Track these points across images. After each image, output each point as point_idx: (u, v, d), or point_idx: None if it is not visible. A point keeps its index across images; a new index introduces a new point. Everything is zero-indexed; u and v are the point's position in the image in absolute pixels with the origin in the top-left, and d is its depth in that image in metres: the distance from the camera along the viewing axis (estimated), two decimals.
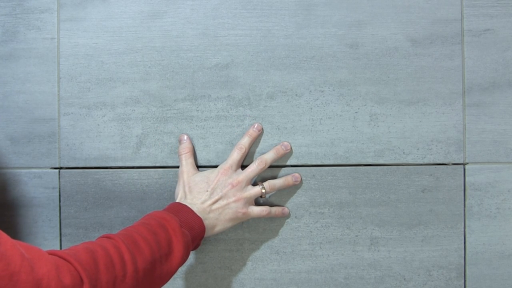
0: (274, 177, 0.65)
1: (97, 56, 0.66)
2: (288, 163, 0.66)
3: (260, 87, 0.66)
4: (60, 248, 0.66)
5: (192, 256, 0.67)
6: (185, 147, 0.64)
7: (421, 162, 0.66)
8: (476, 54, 0.66)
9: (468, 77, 0.66)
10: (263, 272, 0.66)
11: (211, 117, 0.66)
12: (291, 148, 0.65)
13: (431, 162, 0.66)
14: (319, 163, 0.66)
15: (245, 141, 0.64)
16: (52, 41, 0.66)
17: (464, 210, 0.66)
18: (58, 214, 0.66)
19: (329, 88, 0.66)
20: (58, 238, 0.66)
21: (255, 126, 0.65)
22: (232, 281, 0.66)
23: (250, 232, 0.66)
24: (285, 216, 0.66)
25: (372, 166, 0.66)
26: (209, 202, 0.59)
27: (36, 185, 0.66)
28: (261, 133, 0.65)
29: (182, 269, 0.67)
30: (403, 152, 0.66)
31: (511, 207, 0.66)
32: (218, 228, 0.60)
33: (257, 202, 0.65)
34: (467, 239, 0.66)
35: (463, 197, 0.66)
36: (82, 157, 0.66)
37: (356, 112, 0.66)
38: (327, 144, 0.66)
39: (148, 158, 0.66)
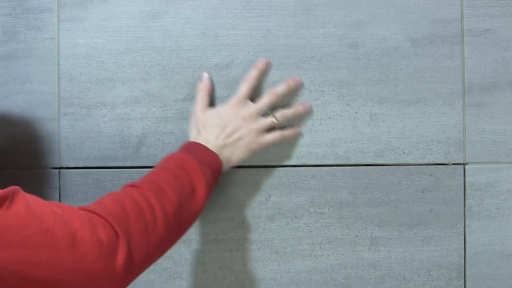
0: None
1: (97, 56, 0.66)
2: (288, 163, 0.66)
3: (260, 87, 0.66)
4: None
5: (192, 256, 0.67)
6: (203, 85, 0.64)
7: (421, 162, 0.66)
8: (476, 54, 0.66)
9: (468, 77, 0.66)
10: (263, 272, 0.66)
11: None
12: (300, 81, 0.65)
13: (431, 162, 0.66)
14: (319, 163, 0.66)
15: (252, 74, 0.64)
16: (52, 41, 0.66)
17: (464, 210, 0.66)
18: None
19: (329, 88, 0.66)
20: None
21: (262, 59, 0.65)
22: (232, 281, 0.66)
23: (250, 232, 0.66)
24: (298, 135, 0.65)
25: (372, 166, 0.66)
26: (222, 136, 0.60)
27: (36, 185, 0.66)
28: (268, 66, 0.65)
29: (182, 269, 0.66)
30: (403, 152, 0.66)
31: (511, 207, 0.66)
32: (234, 161, 0.61)
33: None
34: (467, 239, 0.66)
35: (463, 197, 0.66)
36: (82, 157, 0.66)
37: (356, 112, 0.66)
38: (327, 144, 0.66)
39: (148, 158, 0.66)
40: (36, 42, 0.66)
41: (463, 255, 0.66)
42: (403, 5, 0.66)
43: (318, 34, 0.66)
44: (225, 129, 0.60)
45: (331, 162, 0.66)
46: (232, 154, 0.60)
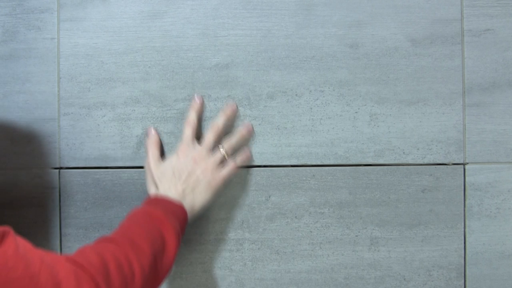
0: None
1: (97, 56, 0.66)
2: (288, 163, 0.66)
3: (260, 87, 0.66)
4: (60, 248, 0.66)
5: (192, 256, 0.67)
6: (152, 140, 0.65)
7: (421, 162, 0.66)
8: (476, 54, 0.66)
9: (468, 77, 0.66)
10: (263, 272, 0.66)
11: (211, 117, 0.66)
12: (236, 107, 0.65)
13: (431, 162, 0.66)
14: (319, 163, 0.66)
15: (192, 116, 0.64)
16: (52, 41, 0.66)
17: (464, 210, 0.66)
18: (58, 214, 0.66)
19: (329, 88, 0.66)
20: (58, 238, 0.66)
21: (195, 97, 0.65)
22: (232, 281, 0.66)
23: (250, 232, 0.66)
24: (249, 158, 0.66)
25: (372, 166, 0.66)
26: (179, 184, 0.60)
27: (36, 185, 0.66)
28: (202, 103, 0.66)
29: (182, 269, 0.67)
30: (403, 152, 0.66)
31: (511, 207, 0.66)
32: (198, 205, 0.60)
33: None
34: (467, 239, 0.66)
35: (463, 197, 0.66)
36: (82, 157, 0.66)
37: (356, 112, 0.66)
38: (327, 144, 0.66)
39: None
40: (36, 42, 0.66)
41: (463, 255, 0.66)
42: (403, 5, 0.66)
43: (318, 34, 0.66)
44: (181, 176, 0.60)
45: (331, 162, 0.66)
46: (195, 199, 0.60)
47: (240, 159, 0.64)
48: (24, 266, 0.41)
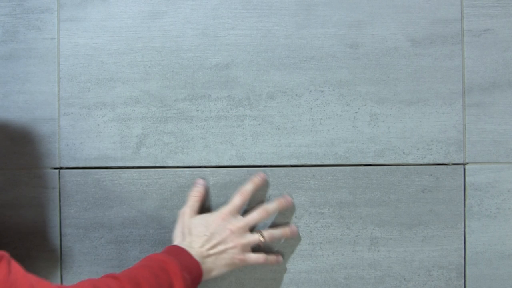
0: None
1: (97, 56, 0.66)
2: (288, 163, 0.66)
3: (260, 87, 0.66)
4: (60, 248, 0.66)
5: None
6: (197, 190, 0.64)
7: (421, 162, 0.66)
8: (476, 54, 0.66)
9: (468, 77, 0.66)
10: (263, 272, 0.66)
11: (211, 117, 0.66)
12: (292, 202, 0.65)
13: (431, 162, 0.66)
14: (319, 163, 0.66)
15: (247, 188, 0.64)
16: (52, 41, 0.66)
17: (464, 210, 0.66)
18: (58, 214, 0.66)
19: (329, 88, 0.66)
20: (58, 238, 0.66)
21: (259, 174, 0.65)
22: (232, 281, 0.66)
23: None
24: (279, 264, 0.65)
25: (372, 166, 0.66)
26: (207, 246, 0.59)
27: (36, 185, 0.66)
28: (265, 182, 0.65)
29: None
30: (403, 152, 0.66)
31: (511, 207, 0.66)
32: (214, 273, 0.60)
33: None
34: (467, 239, 0.66)
35: (463, 197, 0.66)
36: (82, 157, 0.66)
37: (356, 112, 0.66)
38: (327, 144, 0.66)
39: (148, 158, 0.66)
40: (36, 42, 0.66)
41: (463, 255, 0.66)
42: (403, 5, 0.66)
43: (318, 34, 0.66)
44: (211, 239, 0.59)
45: (331, 162, 0.66)
46: (214, 266, 0.59)
47: (272, 258, 0.64)
48: None
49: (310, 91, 0.66)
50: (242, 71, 0.66)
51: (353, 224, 0.66)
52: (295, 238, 0.66)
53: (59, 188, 0.66)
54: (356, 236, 0.66)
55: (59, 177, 0.66)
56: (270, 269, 0.66)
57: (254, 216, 0.62)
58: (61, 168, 0.66)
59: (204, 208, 0.66)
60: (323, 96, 0.66)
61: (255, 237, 0.62)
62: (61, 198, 0.66)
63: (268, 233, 0.63)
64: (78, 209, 0.66)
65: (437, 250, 0.66)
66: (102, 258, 0.66)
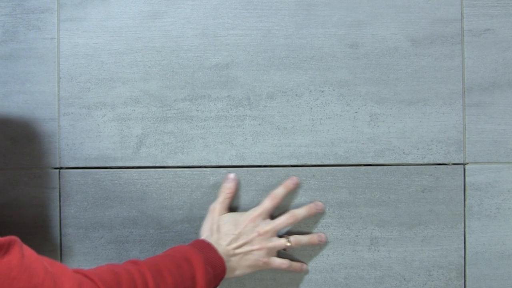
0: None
1: (97, 56, 0.66)
2: (288, 163, 0.66)
3: (260, 87, 0.66)
4: (60, 248, 0.66)
5: None
6: (229, 187, 0.64)
7: (421, 162, 0.66)
8: (476, 54, 0.66)
9: (468, 77, 0.66)
10: (263, 272, 0.66)
11: (211, 117, 0.66)
12: (323, 208, 0.65)
13: (431, 162, 0.66)
14: (319, 163, 0.66)
15: (279, 191, 0.64)
16: (52, 41, 0.66)
17: (464, 210, 0.66)
18: (58, 214, 0.66)
19: (329, 88, 0.66)
20: (58, 238, 0.66)
21: (292, 179, 0.65)
22: (232, 281, 0.66)
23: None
24: (303, 272, 0.66)
25: (372, 166, 0.66)
26: (234, 245, 0.60)
27: (36, 185, 0.66)
28: (297, 186, 0.65)
29: None
30: (403, 152, 0.66)
31: (511, 207, 0.66)
32: (238, 272, 0.60)
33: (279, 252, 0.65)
34: (467, 239, 0.66)
35: (463, 197, 0.66)
36: (82, 157, 0.66)
37: (356, 112, 0.66)
38: (327, 144, 0.66)
39: (148, 158, 0.66)
40: (36, 42, 0.66)
41: (463, 255, 0.66)
42: (403, 5, 0.66)
43: (318, 34, 0.66)
44: (238, 239, 0.60)
45: (331, 162, 0.66)
46: (238, 265, 0.60)
47: (296, 265, 0.64)
48: (28, 276, 0.41)
49: (310, 91, 0.66)
50: (242, 71, 0.66)
51: (353, 224, 0.66)
52: (322, 245, 0.66)
53: (59, 188, 0.66)
54: (356, 236, 0.66)
55: (59, 177, 0.66)
56: (270, 269, 0.66)
57: (283, 220, 0.63)
58: (61, 168, 0.66)
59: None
60: (323, 96, 0.66)
61: (281, 242, 0.62)
62: (61, 198, 0.66)
63: (295, 239, 0.63)
64: (78, 209, 0.66)
65: (437, 250, 0.66)
66: (102, 258, 0.66)
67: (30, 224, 0.66)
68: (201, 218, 0.66)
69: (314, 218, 0.66)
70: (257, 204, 0.66)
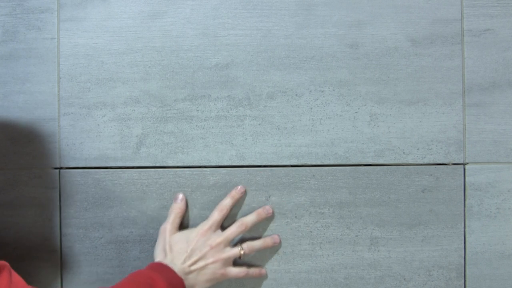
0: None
1: (97, 56, 0.66)
2: (288, 163, 0.66)
3: (260, 87, 0.66)
4: (60, 248, 0.66)
5: None
6: (177, 207, 0.65)
7: (421, 162, 0.66)
8: (476, 54, 0.66)
9: (468, 77, 0.66)
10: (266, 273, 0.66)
11: (211, 117, 0.66)
12: (272, 212, 0.66)
13: (431, 162, 0.66)
14: (319, 163, 0.66)
15: (226, 203, 0.64)
16: (52, 41, 0.66)
17: (464, 210, 0.66)
18: (58, 214, 0.66)
19: (329, 88, 0.66)
20: (58, 238, 0.66)
21: (238, 188, 0.65)
22: (232, 281, 0.66)
23: (250, 232, 0.66)
24: (262, 276, 0.66)
25: (372, 166, 0.66)
26: (188, 262, 0.60)
27: (36, 185, 0.66)
28: (243, 195, 0.66)
29: None
30: (403, 152, 0.66)
31: (511, 207, 0.66)
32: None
33: (235, 261, 0.65)
34: (467, 239, 0.66)
35: (463, 197, 0.66)
36: (82, 157, 0.66)
37: (356, 112, 0.66)
38: (327, 144, 0.66)
39: (148, 158, 0.66)
40: (36, 42, 0.66)
41: (463, 255, 0.66)
42: (403, 5, 0.66)
43: (318, 34, 0.66)
44: (192, 256, 0.60)
45: (331, 162, 0.66)
46: (196, 281, 0.60)
47: (253, 271, 0.64)
48: None
49: (310, 91, 0.66)
50: (242, 71, 0.66)
51: (353, 224, 0.66)
52: (277, 246, 0.66)
53: (59, 188, 0.66)
54: (356, 236, 0.66)
55: (59, 177, 0.66)
56: (270, 269, 0.66)
57: (233, 230, 0.63)
58: (61, 168, 0.66)
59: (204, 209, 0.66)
60: (323, 96, 0.66)
61: (235, 251, 0.62)
62: (61, 198, 0.66)
63: (248, 246, 0.63)
64: (78, 209, 0.66)
65: (437, 250, 0.66)
66: (102, 258, 0.66)
67: (30, 224, 0.66)
68: (201, 218, 0.66)
69: (314, 218, 0.66)
70: (257, 204, 0.66)
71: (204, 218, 0.65)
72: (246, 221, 0.64)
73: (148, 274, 0.56)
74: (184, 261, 0.60)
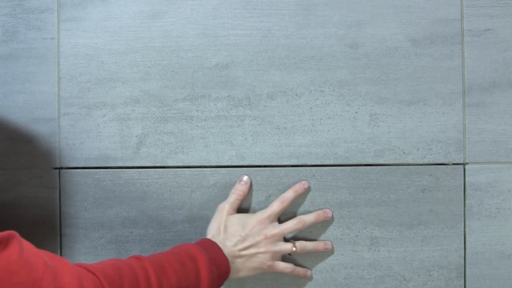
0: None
1: (97, 56, 0.66)
2: (288, 163, 0.66)
3: (260, 87, 0.66)
4: (60, 248, 0.66)
5: None
6: (240, 189, 0.64)
7: (421, 162, 0.66)
8: (476, 54, 0.66)
9: (468, 77, 0.66)
10: (263, 273, 0.66)
11: (211, 117, 0.66)
12: (332, 216, 0.65)
13: (431, 162, 0.66)
14: (319, 163, 0.66)
15: (289, 195, 0.64)
16: (52, 41, 0.66)
17: (464, 210, 0.66)
18: (58, 214, 0.66)
19: (329, 88, 0.66)
20: (58, 238, 0.66)
21: (302, 183, 0.65)
22: (232, 281, 0.66)
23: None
24: (307, 278, 0.66)
25: (372, 166, 0.66)
26: (240, 246, 0.60)
27: (36, 185, 0.66)
28: (307, 191, 0.65)
29: None
30: (403, 152, 0.66)
31: (511, 207, 0.66)
32: (242, 274, 0.60)
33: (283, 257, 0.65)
34: (467, 239, 0.66)
35: (463, 197, 0.66)
36: (82, 157, 0.66)
37: (356, 112, 0.66)
38: (327, 144, 0.66)
39: (148, 158, 0.66)
40: (36, 42, 0.66)
41: (463, 255, 0.66)
42: (403, 5, 0.66)
43: (318, 34, 0.66)
44: (245, 241, 0.60)
45: (331, 162, 0.66)
46: (243, 267, 0.60)
47: (300, 271, 0.64)
48: (28, 270, 0.41)
49: (310, 91, 0.66)
50: (242, 71, 0.66)
51: (353, 224, 0.66)
52: (328, 253, 0.66)
53: (59, 188, 0.66)
54: (356, 236, 0.66)
55: (59, 177, 0.66)
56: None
57: (290, 225, 0.63)
58: (61, 168, 0.66)
59: (205, 209, 0.66)
60: (323, 96, 0.66)
61: (287, 247, 0.62)
62: (61, 198, 0.66)
63: (301, 244, 0.63)
64: (78, 209, 0.66)
65: (437, 250, 0.66)
66: (102, 258, 0.66)
67: (30, 224, 0.66)
68: (201, 218, 0.66)
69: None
70: (257, 204, 0.66)
71: (204, 218, 0.65)
72: (305, 219, 0.63)
73: (191, 247, 0.56)
74: (236, 244, 0.60)
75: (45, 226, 0.66)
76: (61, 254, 0.66)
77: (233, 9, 0.66)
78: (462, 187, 0.66)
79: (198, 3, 0.66)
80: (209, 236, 0.61)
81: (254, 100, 0.66)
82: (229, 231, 0.61)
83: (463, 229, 0.66)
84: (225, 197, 0.66)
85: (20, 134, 0.66)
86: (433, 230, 0.66)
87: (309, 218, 0.64)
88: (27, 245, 0.44)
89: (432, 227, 0.66)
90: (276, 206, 0.63)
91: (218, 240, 0.59)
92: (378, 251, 0.66)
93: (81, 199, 0.66)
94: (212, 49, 0.66)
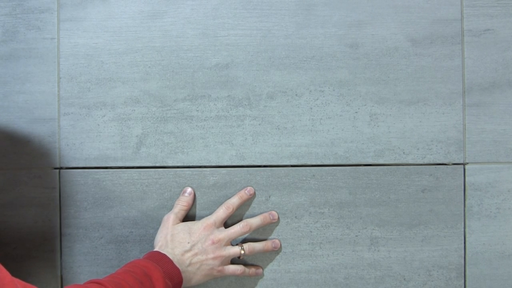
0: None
1: (97, 56, 0.66)
2: (288, 163, 0.66)
3: (260, 87, 0.66)
4: (60, 248, 0.66)
5: None
6: (184, 200, 0.65)
7: (421, 162, 0.66)
8: (476, 54, 0.66)
9: (468, 77, 0.66)
10: (263, 272, 0.66)
11: (211, 117, 0.66)
12: (278, 218, 0.66)
13: (431, 162, 0.66)
14: (319, 163, 0.66)
15: (234, 201, 0.64)
16: (52, 41, 0.66)
17: (464, 210, 0.66)
18: (58, 214, 0.66)
19: (329, 88, 0.66)
20: (58, 238, 0.66)
21: (247, 189, 0.65)
22: (232, 281, 0.66)
23: (250, 233, 0.66)
24: (258, 276, 0.66)
25: (372, 166, 0.66)
26: (188, 254, 0.60)
27: (36, 185, 0.66)
28: (252, 197, 0.66)
29: None
30: (403, 152, 0.66)
31: (511, 207, 0.66)
32: (194, 281, 0.61)
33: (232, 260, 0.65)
34: (467, 239, 0.66)
35: (463, 197, 0.66)
36: (82, 157, 0.66)
37: (356, 112, 0.66)
38: (327, 144, 0.66)
39: (148, 158, 0.66)
40: (36, 42, 0.66)
41: (463, 255, 0.66)
42: (403, 5, 0.66)
43: (318, 34, 0.66)
44: (193, 249, 0.60)
45: (331, 162, 0.66)
46: (193, 275, 0.60)
47: (250, 271, 0.64)
48: None
49: (310, 91, 0.66)
50: (242, 71, 0.66)
51: (353, 224, 0.66)
52: (276, 252, 0.66)
53: (59, 188, 0.66)
54: (356, 236, 0.66)
55: (59, 177, 0.66)
56: (270, 269, 0.66)
57: (237, 229, 0.63)
58: (61, 168, 0.66)
59: (201, 208, 0.66)
60: (323, 96, 0.66)
61: (235, 250, 0.62)
62: (61, 198, 0.66)
63: (249, 247, 0.63)
64: (78, 209, 0.66)
65: (437, 250, 0.66)
66: (102, 258, 0.66)
67: (30, 224, 0.66)
68: (201, 218, 0.66)
69: (314, 218, 0.66)
70: (257, 204, 0.66)
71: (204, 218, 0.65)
72: (251, 223, 0.64)
73: (145, 264, 0.56)
74: (184, 252, 0.60)
75: (45, 226, 0.66)
76: (61, 254, 0.66)
77: (233, 9, 0.66)
78: (462, 187, 0.66)
79: (198, 3, 0.66)
80: (156, 248, 0.61)
81: (254, 100, 0.66)
82: (176, 239, 0.61)
83: (463, 229, 0.66)
84: (225, 197, 0.66)
85: (20, 134, 0.66)
86: (433, 230, 0.66)
87: (255, 221, 0.64)
88: (3, 272, 0.44)
89: (432, 227, 0.66)
90: (221, 212, 0.63)
91: (166, 251, 0.59)
92: (378, 251, 0.66)
93: (81, 199, 0.66)
94: (212, 49, 0.66)
